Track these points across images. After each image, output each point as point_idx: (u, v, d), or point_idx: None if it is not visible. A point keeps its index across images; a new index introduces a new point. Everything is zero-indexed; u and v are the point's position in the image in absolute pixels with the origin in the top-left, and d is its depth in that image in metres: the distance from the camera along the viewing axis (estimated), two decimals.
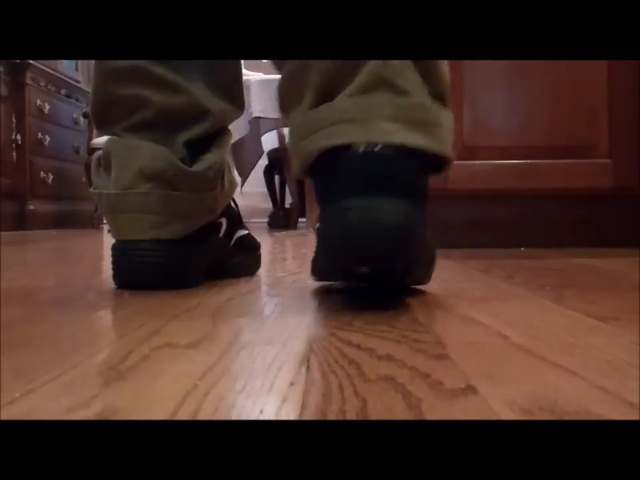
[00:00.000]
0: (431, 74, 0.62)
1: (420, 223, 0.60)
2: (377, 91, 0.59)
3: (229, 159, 0.89)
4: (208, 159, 0.78)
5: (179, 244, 0.75)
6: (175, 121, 0.77)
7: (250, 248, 0.91)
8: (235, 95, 0.83)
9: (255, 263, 0.93)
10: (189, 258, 0.76)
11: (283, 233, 2.68)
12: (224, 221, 0.85)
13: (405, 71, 0.61)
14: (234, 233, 0.88)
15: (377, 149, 0.56)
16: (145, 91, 0.76)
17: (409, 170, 0.58)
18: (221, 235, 0.84)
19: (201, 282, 0.78)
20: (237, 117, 0.85)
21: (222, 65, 0.81)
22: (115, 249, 0.75)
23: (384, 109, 0.58)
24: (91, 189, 0.80)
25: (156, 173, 0.73)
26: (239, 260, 0.88)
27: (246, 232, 0.91)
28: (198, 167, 0.76)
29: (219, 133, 0.82)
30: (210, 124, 0.78)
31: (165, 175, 0.74)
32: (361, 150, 0.56)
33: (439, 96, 0.62)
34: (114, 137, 0.77)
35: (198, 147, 0.78)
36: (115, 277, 0.75)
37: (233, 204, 0.90)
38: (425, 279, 0.73)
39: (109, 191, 0.75)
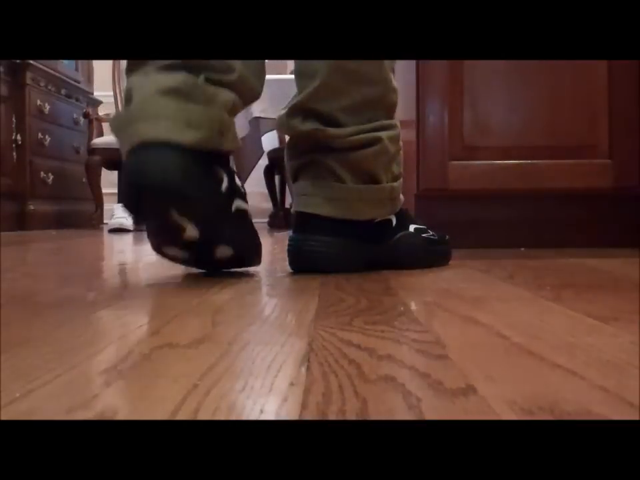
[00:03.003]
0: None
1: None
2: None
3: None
4: (219, 89, 0.82)
5: (191, 155, 0.76)
6: (203, 64, 0.81)
7: (250, 227, 0.92)
8: (259, 70, 0.90)
9: (255, 252, 0.94)
10: (199, 168, 0.77)
11: (283, 233, 2.68)
12: (225, 177, 0.85)
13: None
14: (233, 198, 0.87)
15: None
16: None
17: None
18: (222, 189, 0.84)
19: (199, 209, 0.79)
20: (254, 95, 0.90)
21: None
22: (129, 154, 0.76)
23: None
24: (111, 117, 0.84)
25: (172, 88, 0.77)
26: (238, 232, 0.88)
27: (247, 207, 0.90)
28: (212, 87, 0.81)
29: (239, 94, 0.85)
30: (233, 78, 0.84)
31: (180, 89, 0.78)
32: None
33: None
34: (135, 75, 0.82)
35: (220, 86, 0.82)
36: (125, 182, 0.77)
37: (237, 180, 0.90)
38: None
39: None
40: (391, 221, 1.00)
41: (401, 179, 1.02)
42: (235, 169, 0.93)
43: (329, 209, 0.94)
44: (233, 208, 0.87)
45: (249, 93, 0.89)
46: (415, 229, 1.02)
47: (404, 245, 1.00)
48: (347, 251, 0.95)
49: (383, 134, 0.96)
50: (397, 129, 0.99)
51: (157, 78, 0.78)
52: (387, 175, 0.98)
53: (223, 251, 0.86)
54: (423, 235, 1.02)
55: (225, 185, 0.84)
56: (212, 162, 0.81)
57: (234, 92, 0.84)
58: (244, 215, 0.89)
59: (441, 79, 1.51)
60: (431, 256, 1.03)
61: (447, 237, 1.08)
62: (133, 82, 0.80)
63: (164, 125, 0.75)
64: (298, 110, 0.96)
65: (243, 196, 0.90)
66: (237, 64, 0.84)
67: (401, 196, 1.02)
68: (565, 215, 1.54)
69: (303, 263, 0.95)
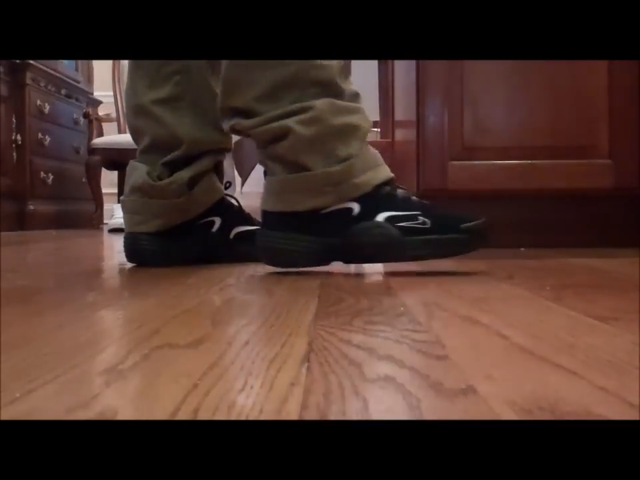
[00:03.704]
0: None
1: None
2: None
3: (228, 163, 1.00)
4: (174, 176, 1.08)
5: (160, 236, 1.09)
6: (160, 147, 1.09)
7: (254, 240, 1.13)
8: (220, 127, 1.06)
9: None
10: (166, 246, 1.09)
11: None
12: (217, 219, 1.13)
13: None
14: (231, 229, 1.13)
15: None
16: (146, 124, 1.10)
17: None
18: (214, 230, 1.13)
19: (179, 264, 1.07)
20: (222, 143, 1.12)
21: (210, 105, 1.07)
22: (124, 237, 1.12)
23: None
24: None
25: (138, 187, 1.09)
26: (241, 249, 1.12)
27: (252, 227, 1.13)
28: (163, 182, 1.08)
29: (197, 156, 1.09)
30: (183, 151, 1.08)
31: (143, 188, 1.08)
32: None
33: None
34: (132, 160, 1.14)
35: (174, 166, 1.09)
36: (125, 254, 1.12)
37: (236, 205, 1.17)
38: None
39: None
40: (349, 210, 0.91)
41: (353, 160, 0.90)
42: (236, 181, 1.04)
43: (270, 204, 0.93)
44: (232, 235, 1.14)
45: (213, 145, 1.10)
46: (389, 217, 0.90)
47: (365, 236, 0.90)
48: (296, 244, 0.92)
49: (292, 121, 0.89)
50: (312, 111, 0.89)
51: (133, 172, 1.10)
52: (323, 160, 0.90)
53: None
54: (400, 224, 0.90)
55: (217, 225, 1.13)
56: (193, 222, 1.10)
57: (191, 163, 1.08)
58: (247, 233, 1.13)
59: (441, 79, 1.51)
60: (414, 247, 0.90)
61: (473, 222, 0.91)
62: (127, 167, 1.13)
63: (137, 219, 1.09)
64: (222, 112, 0.97)
65: (243, 220, 1.15)
66: (185, 133, 1.07)
67: (373, 179, 0.91)
68: (565, 215, 1.54)
69: (266, 259, 0.95)
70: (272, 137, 0.91)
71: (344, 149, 0.91)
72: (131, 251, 1.10)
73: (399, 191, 0.94)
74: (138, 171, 1.10)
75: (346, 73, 0.95)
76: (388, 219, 0.90)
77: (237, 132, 0.96)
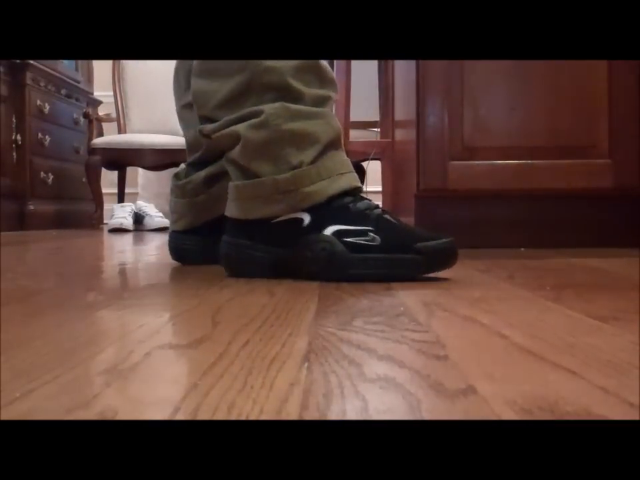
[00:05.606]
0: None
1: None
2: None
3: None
4: (192, 176, 1.11)
5: (194, 233, 1.11)
6: (191, 149, 1.14)
7: None
8: None
9: None
10: (198, 242, 1.11)
11: None
12: None
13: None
14: None
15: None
16: (182, 127, 1.16)
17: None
18: None
19: (207, 261, 1.07)
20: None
21: None
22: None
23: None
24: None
25: (171, 188, 1.15)
26: None
27: None
28: (182, 182, 1.12)
29: (218, 157, 1.05)
30: (203, 152, 1.09)
31: (172, 189, 1.14)
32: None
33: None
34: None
35: (197, 167, 1.12)
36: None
37: None
38: None
39: None
40: (300, 220, 0.87)
41: (305, 168, 0.86)
42: None
43: (228, 210, 0.92)
44: None
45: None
46: (337, 231, 0.85)
47: (309, 250, 0.85)
48: (248, 253, 0.89)
49: (242, 126, 0.87)
50: (261, 115, 0.87)
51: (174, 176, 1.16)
52: (273, 167, 0.87)
53: None
54: (347, 239, 0.84)
55: None
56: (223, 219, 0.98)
57: (210, 164, 1.09)
58: None
59: (441, 79, 1.51)
60: (356, 265, 0.83)
61: (433, 241, 0.84)
62: None
63: (173, 218, 1.15)
64: (199, 118, 0.97)
65: None
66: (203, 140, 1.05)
67: (327, 188, 0.86)
68: (565, 215, 1.54)
69: (224, 267, 0.94)
70: (227, 142, 0.90)
71: (296, 156, 0.86)
72: (171, 249, 1.14)
73: (361, 203, 0.87)
74: (176, 174, 1.15)
75: (309, 74, 0.89)
76: (336, 233, 0.85)
77: (205, 136, 0.96)
